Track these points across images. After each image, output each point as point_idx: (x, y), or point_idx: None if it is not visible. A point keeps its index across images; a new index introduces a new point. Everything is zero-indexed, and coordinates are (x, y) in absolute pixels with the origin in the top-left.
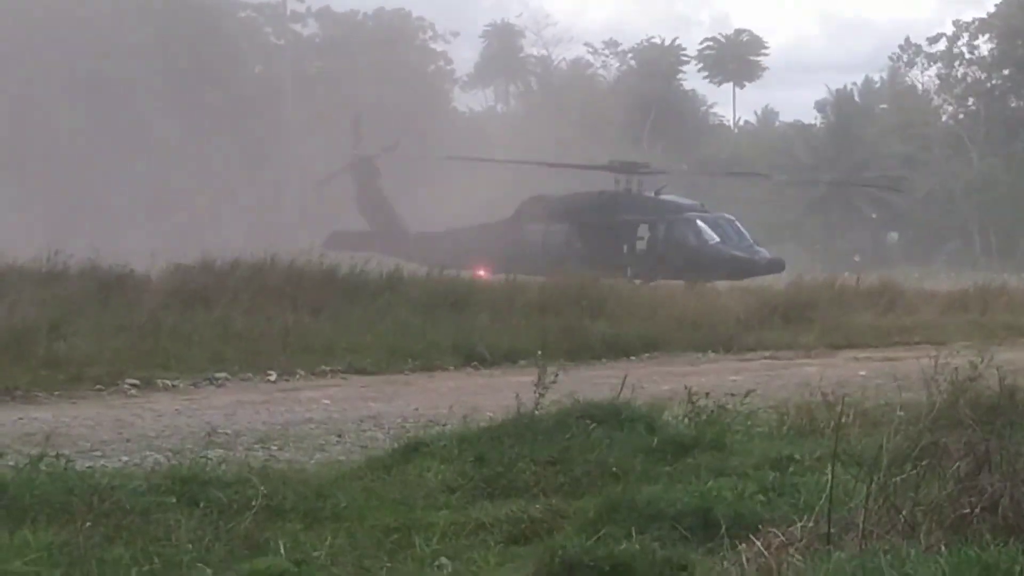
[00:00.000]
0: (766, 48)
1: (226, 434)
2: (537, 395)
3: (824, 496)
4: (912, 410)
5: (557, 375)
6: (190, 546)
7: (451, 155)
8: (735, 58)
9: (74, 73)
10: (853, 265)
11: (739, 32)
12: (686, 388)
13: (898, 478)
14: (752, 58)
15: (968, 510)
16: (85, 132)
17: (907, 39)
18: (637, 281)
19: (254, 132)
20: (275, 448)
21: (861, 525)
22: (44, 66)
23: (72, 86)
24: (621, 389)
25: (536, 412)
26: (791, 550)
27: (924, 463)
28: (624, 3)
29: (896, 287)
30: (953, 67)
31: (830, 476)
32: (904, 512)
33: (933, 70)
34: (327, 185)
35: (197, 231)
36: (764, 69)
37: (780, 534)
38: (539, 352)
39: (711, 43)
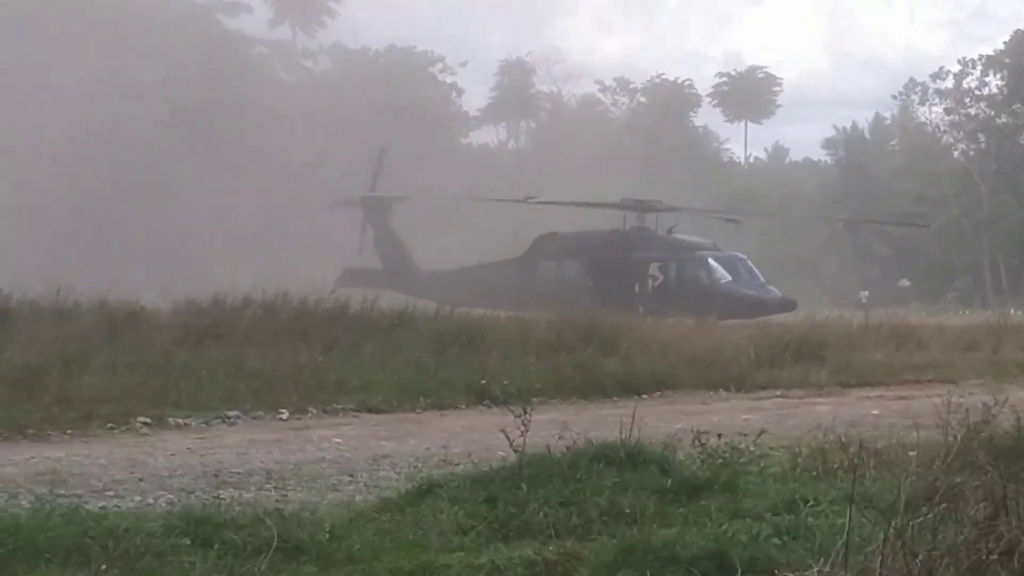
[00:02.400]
0: (779, 85)
1: (238, 473)
2: (522, 435)
3: (841, 540)
4: (926, 451)
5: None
6: None
7: (462, 195)
8: (749, 95)
9: (84, 112)
10: (860, 303)
11: (752, 69)
12: (693, 430)
13: (915, 522)
14: (766, 96)
15: (985, 555)
16: (95, 169)
17: (911, 78)
18: (649, 319)
19: (265, 168)
20: (288, 488)
21: (878, 570)
22: (54, 104)
23: (82, 125)
24: (632, 429)
25: (550, 454)
26: None
27: (941, 506)
28: (635, 40)
29: (907, 325)
30: (963, 104)
31: (847, 519)
32: (921, 556)
33: (941, 107)
34: (338, 209)
35: (208, 268)
36: (778, 106)
37: None
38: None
39: (724, 79)
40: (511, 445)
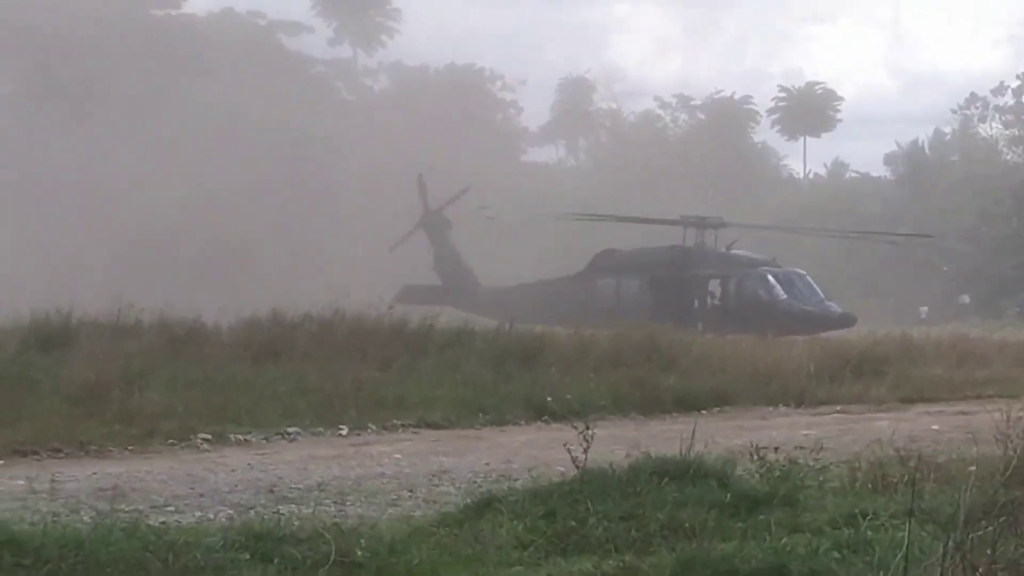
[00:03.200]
0: (839, 100)
1: (298, 489)
2: (584, 451)
3: (900, 554)
4: (986, 465)
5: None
6: None
7: (522, 211)
8: (808, 111)
9: (146, 130)
10: (919, 319)
11: (811, 85)
12: (752, 445)
13: (975, 535)
14: (826, 112)
15: None
16: (155, 187)
17: (972, 93)
18: (708, 335)
19: (326, 186)
20: (348, 503)
21: None
22: (114, 120)
23: (144, 141)
24: (691, 443)
25: (610, 469)
26: None
27: (1001, 520)
28: (694, 57)
29: (968, 340)
30: (1022, 119)
31: (907, 533)
32: (981, 570)
33: (1001, 122)
34: (401, 246)
35: (268, 285)
36: (838, 122)
37: None
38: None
39: (784, 95)
40: (573, 460)
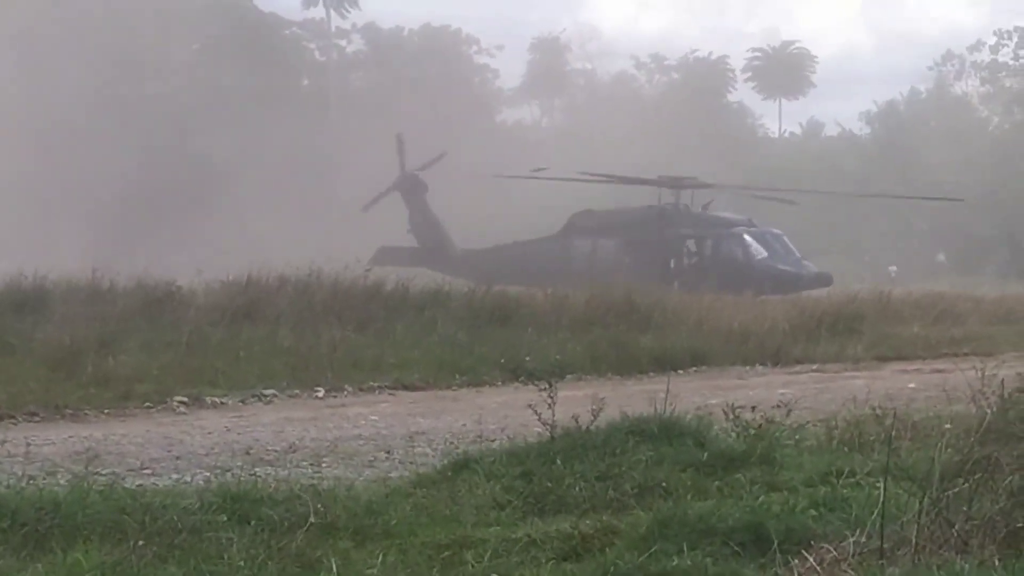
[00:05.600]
0: (814, 61)
1: (274, 451)
2: (550, 409)
3: (876, 511)
4: (962, 423)
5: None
6: (242, 564)
7: (497, 173)
8: (783, 70)
9: (121, 91)
10: (889, 278)
11: (786, 44)
12: (728, 404)
13: (950, 492)
14: (801, 71)
15: (1021, 524)
16: (130, 149)
17: (948, 50)
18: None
19: (299, 148)
20: (324, 465)
21: (914, 540)
22: (88, 83)
23: (118, 103)
24: (666, 403)
25: (585, 429)
26: (844, 565)
27: (976, 477)
28: (671, 17)
29: (944, 298)
30: (998, 76)
31: (883, 490)
32: (957, 527)
33: (977, 80)
34: (375, 205)
35: (242, 246)
36: (812, 85)
37: (832, 549)
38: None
39: (759, 54)
40: (541, 420)
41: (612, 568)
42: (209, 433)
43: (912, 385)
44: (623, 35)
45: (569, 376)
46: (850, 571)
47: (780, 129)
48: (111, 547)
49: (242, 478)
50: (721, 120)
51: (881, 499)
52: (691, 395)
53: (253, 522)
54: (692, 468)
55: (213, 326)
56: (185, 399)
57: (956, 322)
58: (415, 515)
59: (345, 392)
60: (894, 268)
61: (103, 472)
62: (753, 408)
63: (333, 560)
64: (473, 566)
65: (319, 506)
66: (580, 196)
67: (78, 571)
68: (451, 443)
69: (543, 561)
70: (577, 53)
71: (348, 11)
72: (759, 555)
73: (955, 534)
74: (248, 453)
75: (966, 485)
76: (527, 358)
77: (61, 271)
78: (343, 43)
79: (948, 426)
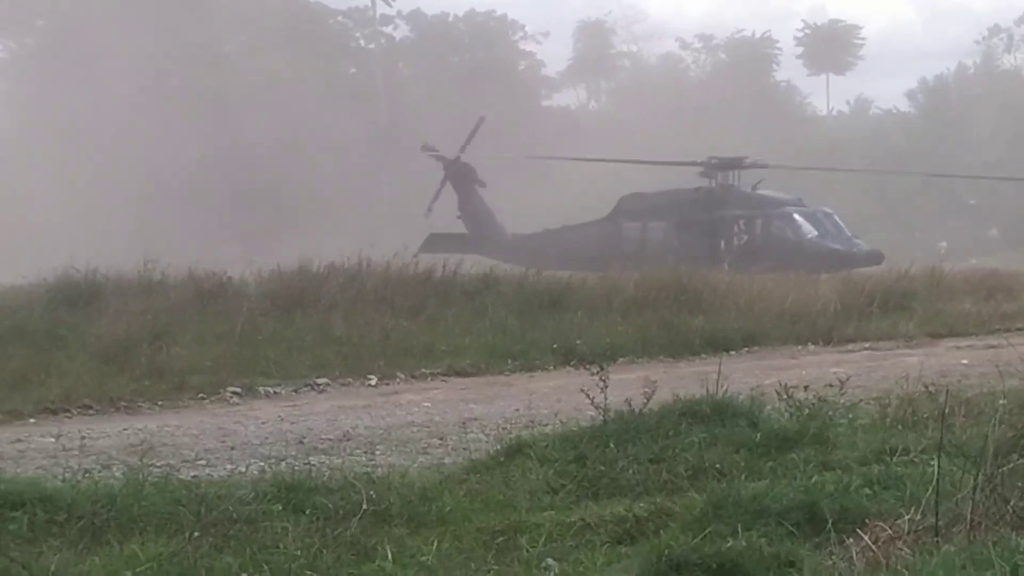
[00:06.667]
0: (861, 36)
1: (328, 439)
2: (602, 393)
3: (930, 488)
4: (1016, 398)
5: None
6: (298, 553)
7: (546, 155)
8: (831, 46)
9: (171, 85)
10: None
11: (834, 21)
12: (781, 384)
13: (1005, 468)
14: (848, 47)
15: None
16: (179, 141)
17: (996, 24)
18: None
19: (348, 135)
20: (378, 453)
21: (969, 517)
22: (138, 76)
23: (168, 96)
24: (718, 384)
25: (638, 411)
26: (899, 543)
27: None
28: None
29: (997, 274)
30: None
31: (936, 468)
32: (1012, 503)
33: None
34: (436, 202)
35: (294, 236)
36: (860, 58)
37: (887, 527)
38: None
39: (807, 30)
40: (593, 404)
41: (666, 551)
42: (263, 423)
43: (965, 361)
44: (669, 16)
45: (621, 359)
46: (905, 549)
47: (828, 107)
48: (167, 539)
49: (296, 467)
50: (769, 99)
51: (935, 476)
52: (743, 376)
53: (308, 511)
54: (745, 449)
55: (265, 316)
56: (238, 390)
57: (1009, 297)
58: (469, 501)
59: (397, 379)
60: (944, 244)
61: (158, 464)
62: (806, 388)
63: (388, 547)
64: (528, 551)
65: (373, 494)
66: (629, 179)
67: (135, 563)
68: (504, 428)
69: (597, 545)
70: (623, 36)
71: None
72: (813, 535)
73: (1010, 510)
74: (302, 442)
75: (1021, 461)
76: (578, 342)
77: (112, 264)
78: (389, 30)
79: (1002, 402)
